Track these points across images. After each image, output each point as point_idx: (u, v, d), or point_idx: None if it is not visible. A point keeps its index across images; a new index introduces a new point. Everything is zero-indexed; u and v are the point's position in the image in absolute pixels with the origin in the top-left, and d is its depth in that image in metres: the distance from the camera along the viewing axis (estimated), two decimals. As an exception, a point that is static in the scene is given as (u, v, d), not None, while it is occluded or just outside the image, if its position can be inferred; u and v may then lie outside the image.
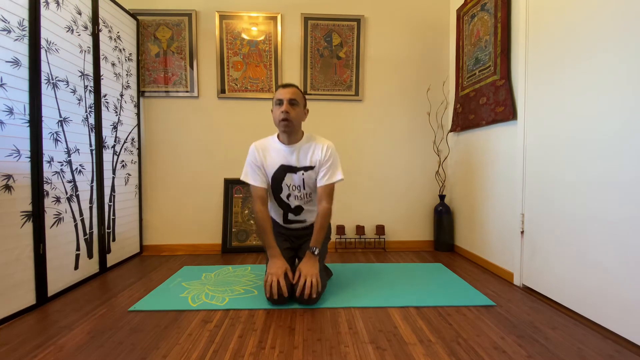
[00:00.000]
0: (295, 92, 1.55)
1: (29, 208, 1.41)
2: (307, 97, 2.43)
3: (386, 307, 1.43)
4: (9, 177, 1.33)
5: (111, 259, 2.00)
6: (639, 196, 1.10)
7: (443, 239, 2.40)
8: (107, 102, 1.96)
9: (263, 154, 1.62)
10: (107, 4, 1.97)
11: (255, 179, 1.61)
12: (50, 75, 1.53)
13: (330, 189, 1.59)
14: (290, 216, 1.66)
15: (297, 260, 1.70)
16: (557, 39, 1.44)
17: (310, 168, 1.59)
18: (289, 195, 1.62)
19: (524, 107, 1.64)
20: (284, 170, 1.60)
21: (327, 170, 1.58)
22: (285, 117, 1.50)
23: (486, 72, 1.95)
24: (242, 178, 1.65)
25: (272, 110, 1.61)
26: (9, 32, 1.34)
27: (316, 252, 1.52)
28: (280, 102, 1.53)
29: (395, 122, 2.49)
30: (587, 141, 1.30)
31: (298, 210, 1.65)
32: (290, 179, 1.60)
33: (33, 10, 1.44)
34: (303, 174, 1.59)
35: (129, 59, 2.20)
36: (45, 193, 1.49)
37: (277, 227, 1.73)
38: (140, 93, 2.35)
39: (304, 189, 1.61)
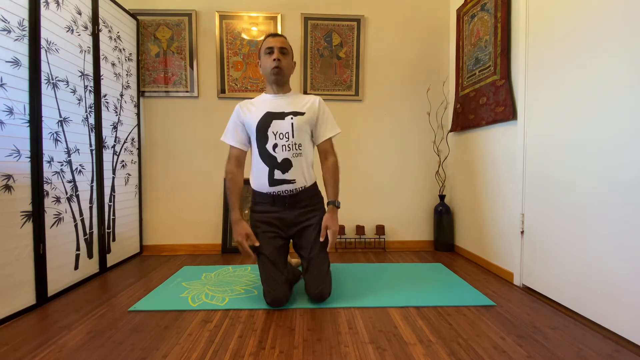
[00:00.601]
0: (285, 42, 1.51)
1: (29, 208, 1.41)
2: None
3: (386, 307, 1.43)
4: (9, 177, 1.33)
5: (111, 259, 2.00)
6: (639, 196, 1.10)
7: (443, 239, 2.40)
8: (107, 102, 1.96)
9: (247, 107, 1.55)
10: (107, 4, 1.97)
11: (234, 139, 1.55)
12: (50, 75, 1.53)
13: (331, 143, 1.58)
14: (277, 174, 1.48)
15: (296, 250, 1.58)
16: (557, 39, 1.44)
17: (300, 114, 1.50)
18: (275, 146, 1.48)
19: (524, 107, 1.64)
20: (270, 117, 1.49)
21: (326, 124, 1.56)
22: (277, 65, 1.47)
23: (486, 72, 1.95)
24: (222, 138, 1.58)
25: (258, 64, 1.57)
26: (9, 32, 1.34)
27: (338, 205, 1.52)
28: (270, 51, 1.48)
29: (395, 122, 2.49)
30: (587, 141, 1.30)
31: (286, 165, 1.47)
32: (277, 126, 1.48)
33: (33, 10, 1.44)
34: (292, 118, 1.48)
35: (129, 59, 2.20)
36: (45, 193, 1.49)
37: (263, 206, 1.53)
38: (140, 93, 2.35)
39: (293, 137, 1.47)
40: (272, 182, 1.48)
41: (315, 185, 1.59)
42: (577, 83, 1.35)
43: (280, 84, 1.53)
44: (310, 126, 1.55)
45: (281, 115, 1.49)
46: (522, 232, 1.67)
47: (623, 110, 1.16)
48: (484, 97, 1.96)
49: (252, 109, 1.54)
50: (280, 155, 1.48)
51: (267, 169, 1.49)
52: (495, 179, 1.92)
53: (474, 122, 2.07)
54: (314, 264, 1.46)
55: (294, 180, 1.49)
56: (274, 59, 1.46)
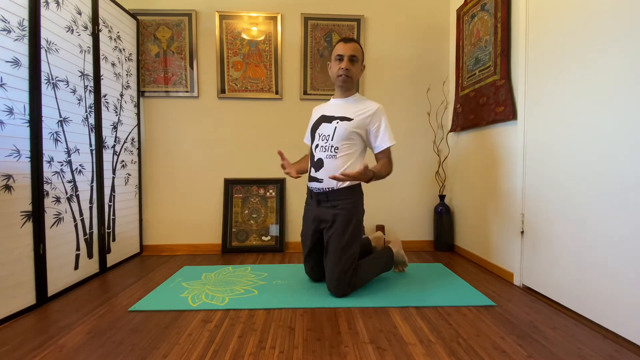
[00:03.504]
0: (356, 49, 1.55)
1: (29, 208, 1.41)
2: (307, 97, 2.44)
3: (386, 307, 1.43)
4: (9, 177, 1.33)
5: (111, 259, 2.00)
6: (639, 196, 1.10)
7: (443, 239, 2.40)
8: (107, 102, 1.96)
9: (316, 110, 1.73)
10: (107, 4, 1.97)
11: (306, 135, 1.80)
12: (50, 75, 1.53)
13: (388, 154, 1.58)
14: (312, 172, 1.61)
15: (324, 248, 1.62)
16: (557, 39, 1.44)
17: (347, 119, 1.54)
18: (317, 146, 1.60)
19: (524, 107, 1.64)
20: (321, 119, 1.62)
21: (380, 135, 1.56)
22: (345, 74, 1.54)
23: (486, 72, 1.95)
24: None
25: (328, 65, 1.66)
26: (9, 32, 1.34)
27: (372, 175, 1.45)
28: (340, 58, 1.55)
29: (395, 122, 2.49)
30: (587, 141, 1.30)
31: (319, 164, 1.57)
32: (323, 129, 1.59)
33: (33, 10, 1.44)
34: (337, 122, 1.55)
35: (129, 59, 2.20)
36: (45, 193, 1.49)
37: (308, 198, 1.70)
38: (140, 93, 2.35)
39: (332, 139, 1.54)
40: (310, 178, 1.64)
41: (350, 189, 1.56)
42: (577, 83, 1.35)
43: (344, 89, 1.61)
44: (359, 133, 1.56)
45: (330, 119, 1.58)
46: (522, 232, 1.67)
47: (624, 110, 1.16)
48: (484, 97, 1.96)
49: (317, 111, 1.70)
50: (317, 155, 1.59)
51: (310, 166, 1.64)
52: (495, 179, 1.92)
53: (474, 122, 2.07)
54: (327, 264, 1.54)
55: (322, 180, 1.56)
56: (342, 68, 1.53)
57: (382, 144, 1.55)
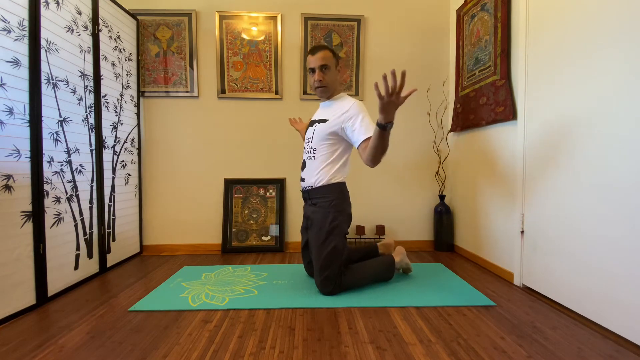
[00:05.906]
0: (325, 57, 1.56)
1: (29, 208, 1.41)
2: (307, 97, 2.44)
3: (386, 307, 1.43)
4: (9, 177, 1.33)
5: (111, 259, 2.00)
6: (639, 196, 1.10)
7: (443, 239, 2.40)
8: (107, 102, 1.96)
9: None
10: (107, 4, 1.97)
11: None
12: (50, 75, 1.53)
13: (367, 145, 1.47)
14: (300, 173, 1.71)
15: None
16: (557, 39, 1.44)
17: (324, 121, 1.60)
18: (303, 149, 1.74)
19: (524, 107, 1.64)
20: (309, 124, 1.73)
21: (357, 130, 1.49)
22: (319, 84, 1.59)
23: (486, 72, 1.95)
24: None
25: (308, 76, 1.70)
26: (9, 32, 1.34)
27: (382, 124, 1.33)
28: (312, 70, 1.59)
29: (395, 122, 2.48)
30: (587, 141, 1.30)
31: (303, 165, 1.68)
32: (308, 133, 1.69)
33: (33, 10, 1.44)
34: (316, 125, 1.63)
35: (129, 59, 2.20)
36: (45, 193, 1.49)
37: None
38: (140, 93, 2.35)
39: (312, 142, 1.63)
40: (300, 179, 1.71)
41: (326, 187, 1.58)
42: (577, 83, 1.35)
43: (324, 97, 1.66)
44: (336, 132, 1.57)
45: (313, 123, 1.68)
46: (522, 232, 1.67)
47: (623, 111, 1.16)
48: (484, 97, 1.95)
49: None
50: (303, 157, 1.70)
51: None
52: (495, 179, 1.92)
53: (474, 122, 2.07)
54: (312, 261, 1.62)
55: (304, 179, 1.66)
56: (315, 80, 1.58)
57: (360, 138, 1.48)
